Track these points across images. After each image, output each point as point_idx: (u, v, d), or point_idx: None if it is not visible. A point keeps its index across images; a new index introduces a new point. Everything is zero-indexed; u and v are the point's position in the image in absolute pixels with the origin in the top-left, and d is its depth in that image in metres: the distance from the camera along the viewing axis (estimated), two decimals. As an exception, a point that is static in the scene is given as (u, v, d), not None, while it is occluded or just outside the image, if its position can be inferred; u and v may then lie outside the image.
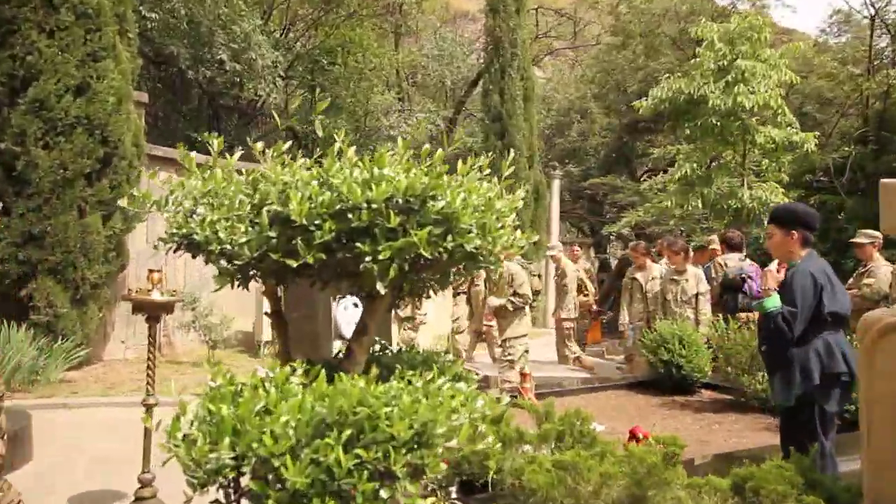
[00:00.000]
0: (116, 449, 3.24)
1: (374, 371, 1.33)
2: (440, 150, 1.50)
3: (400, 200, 1.39)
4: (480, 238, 1.47)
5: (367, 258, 1.38)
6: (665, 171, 10.22)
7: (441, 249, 1.40)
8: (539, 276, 7.89)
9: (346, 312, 5.69)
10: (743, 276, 4.71)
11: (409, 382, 1.36)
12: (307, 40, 11.06)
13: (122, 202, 1.80)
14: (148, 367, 2.55)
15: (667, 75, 8.49)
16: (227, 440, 1.15)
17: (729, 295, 4.86)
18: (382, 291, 1.41)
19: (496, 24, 9.86)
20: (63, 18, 5.20)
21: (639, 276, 5.58)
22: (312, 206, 1.38)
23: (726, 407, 4.26)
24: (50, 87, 5.07)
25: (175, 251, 1.59)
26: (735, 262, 5.09)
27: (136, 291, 2.61)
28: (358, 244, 1.39)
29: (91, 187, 5.25)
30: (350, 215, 1.38)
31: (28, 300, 4.87)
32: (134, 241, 6.00)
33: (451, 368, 1.61)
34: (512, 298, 4.93)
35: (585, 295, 7.18)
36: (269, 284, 1.77)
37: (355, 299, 4.75)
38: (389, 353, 1.90)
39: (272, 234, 1.42)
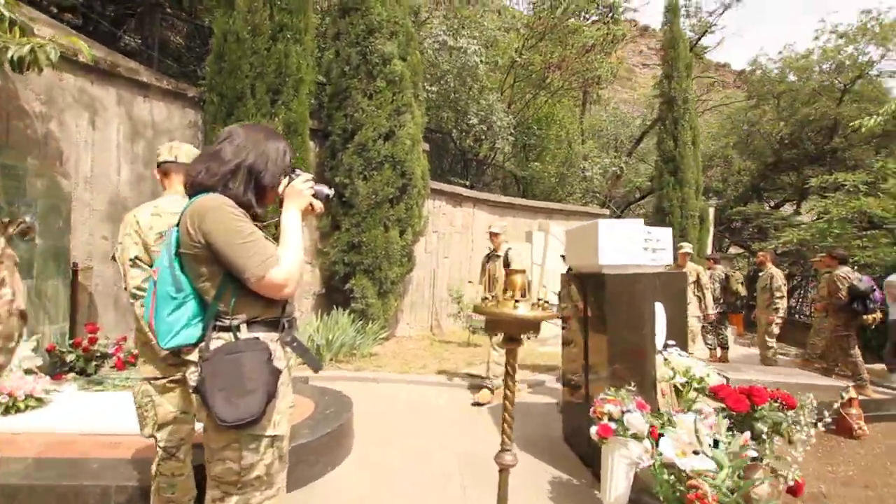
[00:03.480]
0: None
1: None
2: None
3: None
4: None
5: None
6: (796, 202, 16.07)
7: None
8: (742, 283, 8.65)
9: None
10: (872, 286, 5.78)
11: None
12: (523, 111, 13.84)
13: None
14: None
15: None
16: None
17: (858, 302, 5.76)
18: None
19: (671, 86, 12.17)
20: (378, 84, 6.86)
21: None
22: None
23: None
24: (368, 134, 6.66)
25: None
26: (853, 274, 5.97)
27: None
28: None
29: (392, 209, 6.62)
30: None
31: (350, 292, 6.27)
32: (418, 250, 7.49)
33: None
34: None
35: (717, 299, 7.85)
36: None
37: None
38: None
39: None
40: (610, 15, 13.99)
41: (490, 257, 5.20)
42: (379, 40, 6.81)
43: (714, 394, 2.54)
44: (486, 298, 1.84)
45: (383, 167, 6.66)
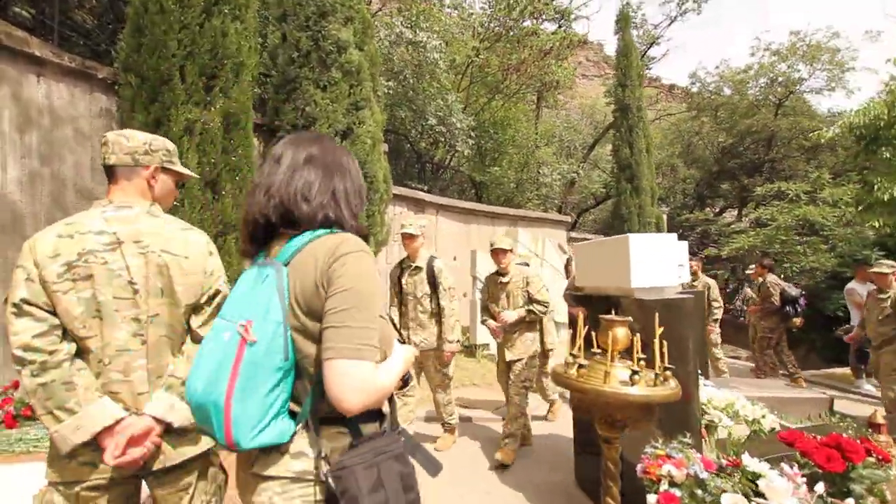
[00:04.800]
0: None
1: None
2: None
3: None
4: None
5: None
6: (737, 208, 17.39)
7: None
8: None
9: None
10: (802, 293, 6.62)
11: None
12: (479, 114, 13.64)
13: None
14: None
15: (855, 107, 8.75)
16: None
17: (790, 305, 6.52)
18: None
19: (625, 94, 12.41)
20: (333, 75, 6.09)
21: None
22: None
23: None
24: (324, 130, 5.87)
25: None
26: (782, 282, 6.76)
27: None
28: None
29: (351, 215, 5.86)
30: None
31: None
32: (378, 261, 6.58)
33: None
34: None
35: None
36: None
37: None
38: None
39: None
40: (561, 20, 14.00)
41: (403, 269, 3.91)
42: (333, 25, 6.06)
43: (788, 444, 2.06)
44: (575, 358, 1.21)
45: (340, 168, 5.89)
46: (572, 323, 4.94)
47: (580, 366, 1.02)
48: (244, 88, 5.23)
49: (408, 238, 3.79)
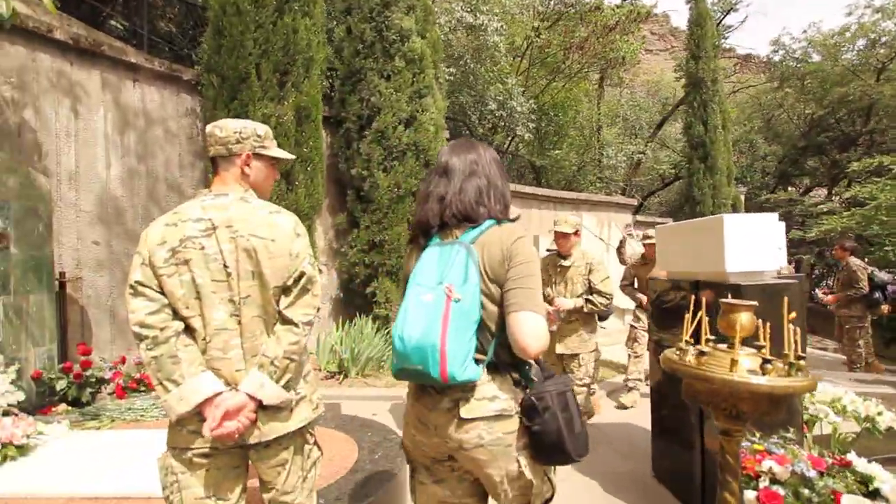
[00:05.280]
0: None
1: None
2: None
3: None
4: None
5: None
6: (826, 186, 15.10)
7: None
8: None
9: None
10: (893, 278, 6.11)
11: None
12: (539, 97, 13.27)
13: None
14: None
15: None
16: None
17: (879, 291, 6.00)
18: None
19: (698, 67, 11.56)
20: (396, 64, 6.15)
21: None
22: None
23: None
24: (388, 119, 5.97)
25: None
26: (864, 265, 6.19)
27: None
28: None
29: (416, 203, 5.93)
30: None
31: (371, 297, 5.60)
32: None
33: None
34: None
35: None
36: None
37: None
38: None
39: None
40: (625, -8, 13.25)
41: (558, 266, 3.55)
42: (396, 14, 6.09)
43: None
44: (688, 344, 1.18)
45: (405, 156, 5.97)
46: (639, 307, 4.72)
47: (700, 353, 0.97)
48: (314, 82, 5.41)
49: (562, 236, 3.47)
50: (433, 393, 1.30)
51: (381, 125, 5.96)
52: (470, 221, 1.35)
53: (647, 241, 4.75)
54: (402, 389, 4.63)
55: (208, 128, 1.54)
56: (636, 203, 12.07)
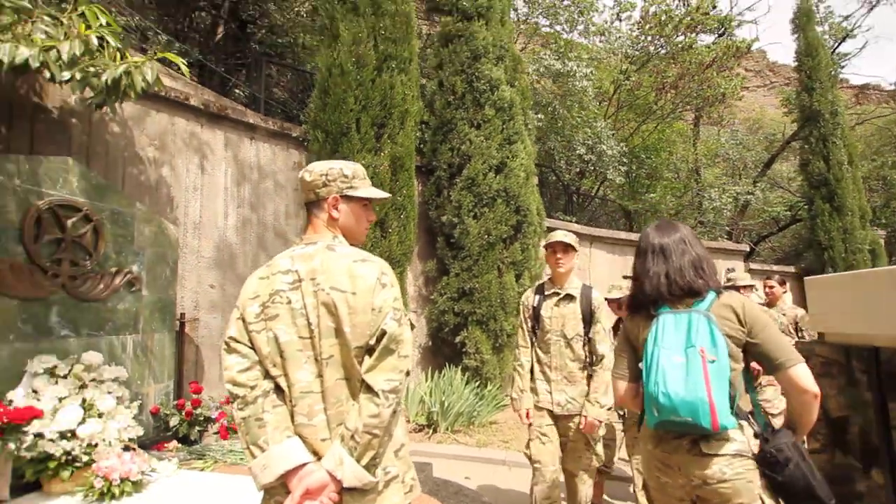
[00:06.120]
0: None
1: None
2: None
3: None
4: None
5: None
6: None
7: None
8: None
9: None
10: None
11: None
12: (629, 139, 12.92)
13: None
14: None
15: None
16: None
17: None
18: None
19: (812, 99, 10.82)
20: (486, 112, 6.24)
21: None
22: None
23: None
24: (478, 167, 6.00)
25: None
26: None
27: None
28: None
29: (507, 250, 5.81)
30: None
31: (461, 346, 5.45)
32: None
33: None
34: None
35: None
36: None
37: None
38: None
39: None
40: (721, 29, 12.70)
41: (546, 297, 2.77)
42: (486, 66, 6.26)
43: None
44: None
45: (495, 203, 5.92)
46: None
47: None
48: (408, 133, 5.63)
49: (560, 250, 2.66)
50: (670, 439, 1.50)
51: (471, 172, 6.00)
52: (693, 292, 1.58)
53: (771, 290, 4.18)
54: (495, 451, 4.33)
55: (300, 173, 1.46)
56: (747, 249, 10.95)
